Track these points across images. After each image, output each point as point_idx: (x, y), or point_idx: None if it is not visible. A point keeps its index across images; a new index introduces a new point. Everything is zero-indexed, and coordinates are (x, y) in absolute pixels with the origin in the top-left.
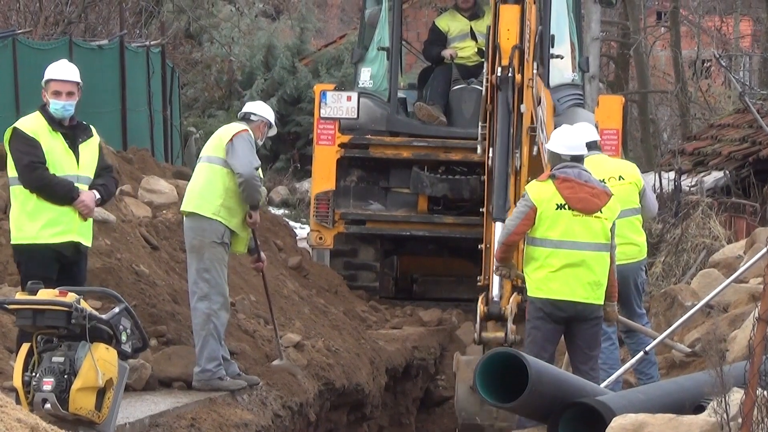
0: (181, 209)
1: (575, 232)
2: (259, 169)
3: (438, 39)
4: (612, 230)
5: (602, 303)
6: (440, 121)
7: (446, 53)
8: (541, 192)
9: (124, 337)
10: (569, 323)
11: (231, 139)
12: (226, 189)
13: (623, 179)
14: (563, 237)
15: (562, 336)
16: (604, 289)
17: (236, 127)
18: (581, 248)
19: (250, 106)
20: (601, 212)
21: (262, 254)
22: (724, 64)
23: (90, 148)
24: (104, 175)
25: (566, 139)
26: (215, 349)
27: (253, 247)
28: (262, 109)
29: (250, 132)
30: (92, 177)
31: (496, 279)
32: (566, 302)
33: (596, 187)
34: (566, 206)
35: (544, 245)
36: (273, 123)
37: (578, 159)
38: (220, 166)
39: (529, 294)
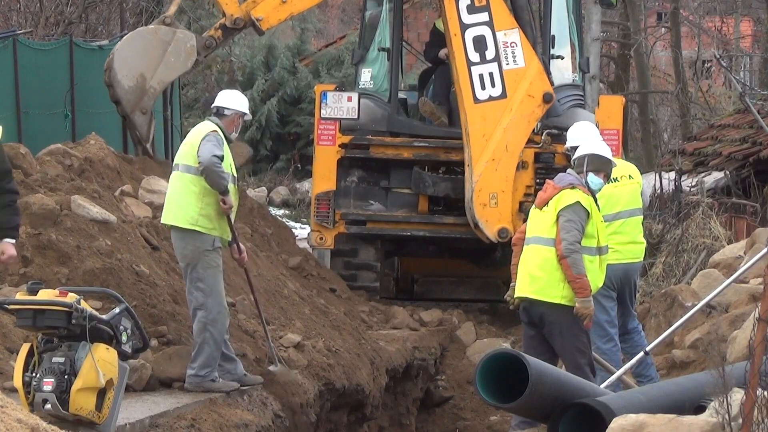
0: (162, 221)
1: (530, 227)
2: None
3: (438, 40)
4: (559, 223)
5: (546, 300)
6: (441, 121)
7: (442, 53)
8: None
9: (124, 338)
10: (539, 329)
11: (200, 144)
12: (203, 196)
13: (632, 178)
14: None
15: None
16: (542, 285)
17: (204, 129)
18: (527, 242)
19: (221, 100)
20: (547, 205)
21: (241, 246)
22: (724, 64)
23: None
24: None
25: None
26: (209, 357)
27: (231, 239)
28: (234, 102)
29: (219, 132)
30: None
31: None
32: (520, 299)
33: (551, 182)
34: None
35: None
36: (246, 111)
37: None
38: (192, 174)
39: None
